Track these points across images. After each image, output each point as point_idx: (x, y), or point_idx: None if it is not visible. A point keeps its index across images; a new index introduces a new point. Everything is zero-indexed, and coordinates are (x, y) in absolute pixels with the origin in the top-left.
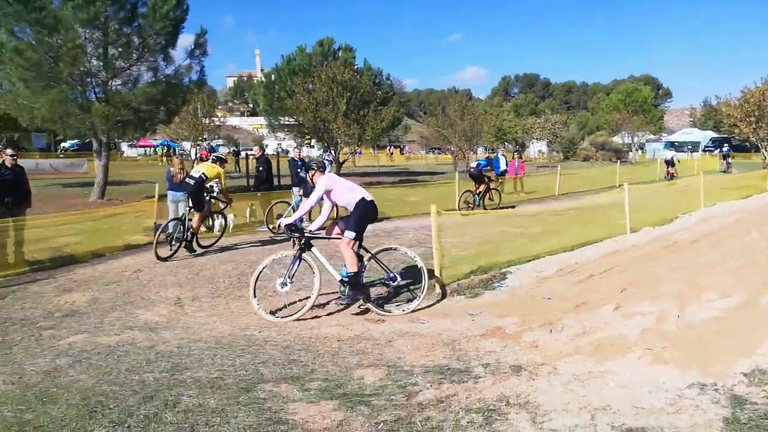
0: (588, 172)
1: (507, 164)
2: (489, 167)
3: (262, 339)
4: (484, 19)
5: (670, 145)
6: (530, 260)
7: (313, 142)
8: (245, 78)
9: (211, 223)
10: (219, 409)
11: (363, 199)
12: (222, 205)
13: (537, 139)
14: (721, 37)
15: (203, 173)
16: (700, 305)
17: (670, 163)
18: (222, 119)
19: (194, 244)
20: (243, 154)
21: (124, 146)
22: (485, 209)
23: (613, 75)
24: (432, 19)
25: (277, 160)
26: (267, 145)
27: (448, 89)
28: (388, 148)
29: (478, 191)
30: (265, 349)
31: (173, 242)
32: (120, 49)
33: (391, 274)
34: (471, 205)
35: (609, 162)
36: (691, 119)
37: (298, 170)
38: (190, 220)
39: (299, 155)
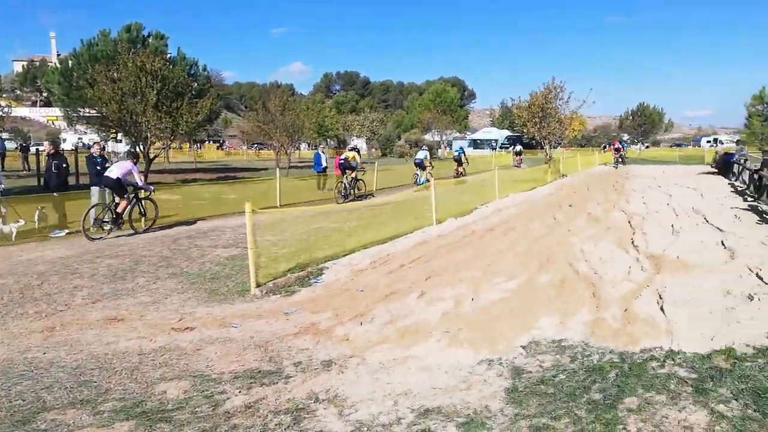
0: (403, 168)
1: (327, 161)
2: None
3: (47, 361)
4: (309, 14)
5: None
6: (347, 254)
7: (120, 136)
8: (37, 63)
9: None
10: None
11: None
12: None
13: (357, 136)
14: (518, 43)
15: (346, 157)
16: (490, 288)
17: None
18: (6, 109)
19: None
20: (33, 149)
21: None
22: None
23: (426, 76)
24: (255, 10)
25: (75, 157)
26: (65, 140)
27: (271, 83)
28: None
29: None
30: (50, 372)
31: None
32: None
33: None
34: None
35: None
36: (491, 119)
37: (98, 168)
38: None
39: (100, 151)
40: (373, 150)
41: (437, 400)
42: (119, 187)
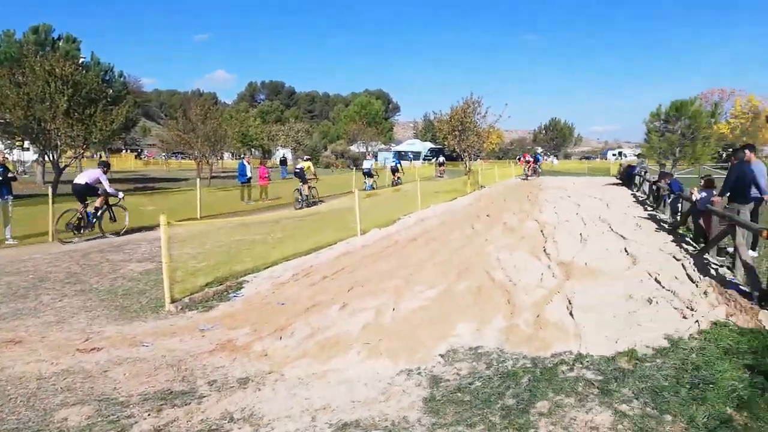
0: (329, 179)
1: (252, 171)
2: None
3: None
4: (233, 22)
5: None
6: (268, 266)
7: (27, 144)
8: None
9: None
10: None
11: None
12: None
13: (282, 146)
14: (441, 60)
15: (302, 167)
16: (412, 297)
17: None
18: None
19: None
20: None
21: None
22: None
23: (351, 87)
24: (176, 15)
25: None
26: None
27: (193, 91)
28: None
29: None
30: None
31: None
32: None
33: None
34: None
35: (348, 169)
36: (414, 131)
37: None
38: None
39: (2, 160)
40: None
41: (356, 414)
42: (88, 191)
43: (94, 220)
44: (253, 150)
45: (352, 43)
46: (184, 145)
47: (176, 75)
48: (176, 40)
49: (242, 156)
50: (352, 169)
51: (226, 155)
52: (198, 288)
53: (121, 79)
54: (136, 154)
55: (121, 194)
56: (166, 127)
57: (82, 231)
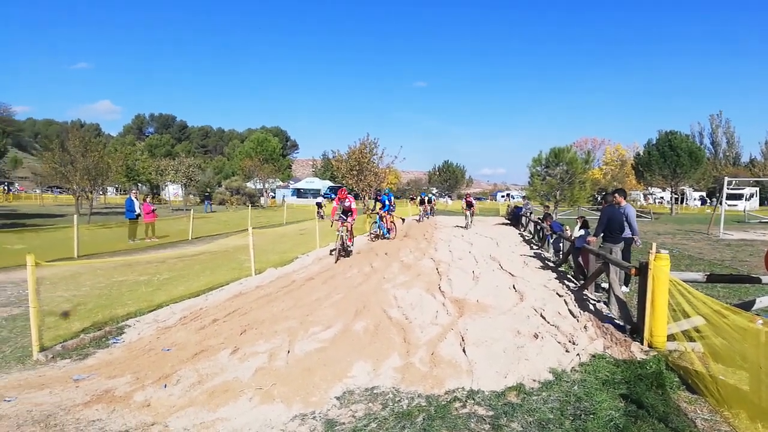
0: (222, 216)
1: (140, 207)
2: None
3: None
4: (116, 52)
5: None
6: (153, 309)
7: None
8: None
9: None
10: None
11: None
12: None
13: (171, 181)
14: (339, 100)
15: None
16: (306, 339)
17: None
18: None
19: None
20: None
21: None
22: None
23: (247, 123)
24: (52, 41)
25: None
26: None
27: (72, 122)
28: None
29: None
30: None
31: None
32: None
33: None
34: None
35: (243, 206)
36: (314, 169)
37: None
38: None
39: None
40: (191, 196)
41: None
42: None
43: None
44: (139, 185)
45: (247, 79)
46: (60, 178)
47: (54, 103)
48: (53, 67)
49: (130, 191)
50: (248, 206)
51: (110, 190)
52: (72, 334)
53: None
54: (3, 187)
55: None
56: (40, 159)
57: None
